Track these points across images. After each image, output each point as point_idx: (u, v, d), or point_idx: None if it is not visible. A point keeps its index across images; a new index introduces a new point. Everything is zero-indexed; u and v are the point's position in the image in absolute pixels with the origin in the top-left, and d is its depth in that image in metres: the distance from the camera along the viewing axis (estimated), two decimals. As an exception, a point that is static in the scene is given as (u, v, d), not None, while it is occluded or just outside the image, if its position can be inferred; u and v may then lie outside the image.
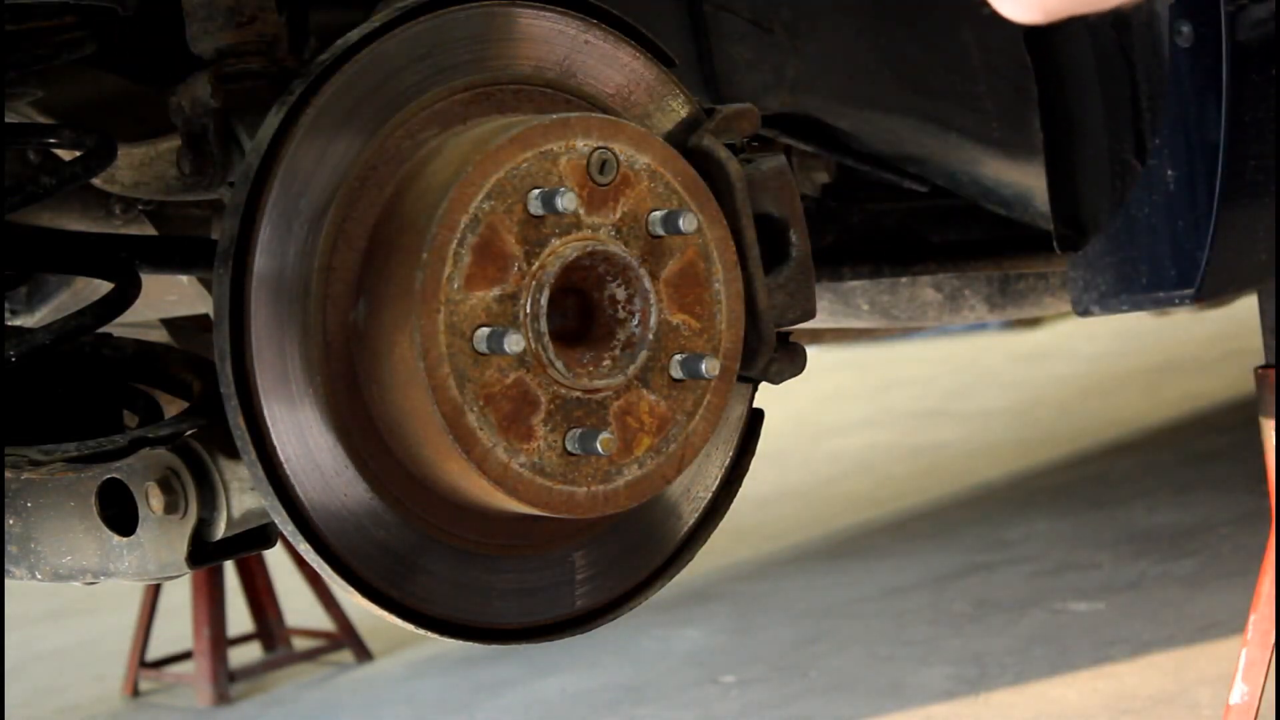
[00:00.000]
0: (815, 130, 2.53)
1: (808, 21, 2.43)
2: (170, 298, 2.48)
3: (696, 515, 1.84)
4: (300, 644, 4.87)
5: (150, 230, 2.29)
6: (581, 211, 1.64)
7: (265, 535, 1.77)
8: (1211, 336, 7.75)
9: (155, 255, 2.01)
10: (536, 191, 1.61)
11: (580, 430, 1.63)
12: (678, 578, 1.85)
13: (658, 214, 1.67)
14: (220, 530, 1.73)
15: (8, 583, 1.92)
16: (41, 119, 2.12)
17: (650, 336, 1.67)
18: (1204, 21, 2.14)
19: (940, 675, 3.81)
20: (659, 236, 1.67)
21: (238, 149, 1.86)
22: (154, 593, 4.74)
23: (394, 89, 1.67)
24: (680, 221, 1.67)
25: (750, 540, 5.33)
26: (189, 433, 1.77)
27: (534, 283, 1.61)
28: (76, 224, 2.29)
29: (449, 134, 1.69)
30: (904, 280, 2.99)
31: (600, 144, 1.65)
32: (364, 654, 4.76)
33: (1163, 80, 2.19)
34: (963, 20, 2.32)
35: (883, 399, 7.99)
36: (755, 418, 1.86)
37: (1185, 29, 2.15)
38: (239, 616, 4.79)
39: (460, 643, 1.73)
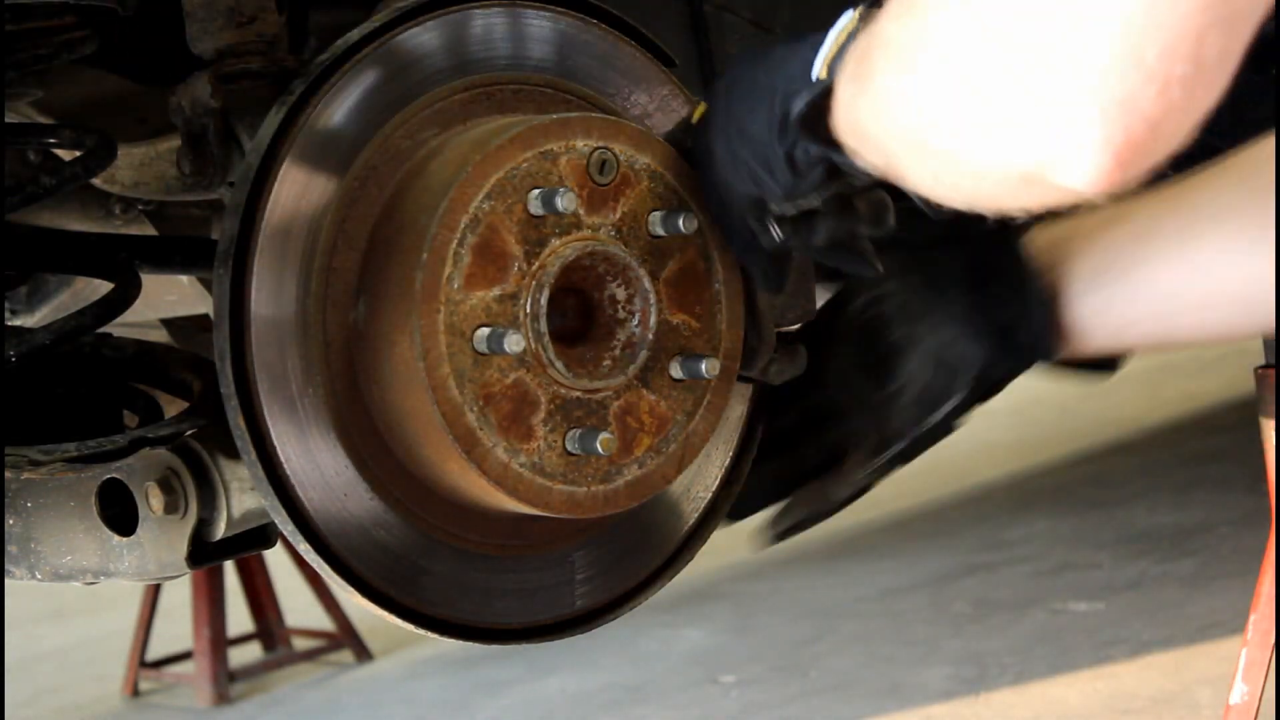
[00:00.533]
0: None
1: (808, 22, 2.42)
2: (170, 298, 2.47)
3: (696, 515, 1.84)
4: (300, 644, 4.87)
5: (150, 230, 2.29)
6: (581, 211, 1.63)
7: (265, 535, 1.78)
8: (1211, 336, 7.73)
9: (155, 255, 2.01)
10: (536, 191, 1.61)
11: (580, 430, 1.63)
12: (678, 578, 1.85)
13: (658, 214, 1.67)
14: (220, 530, 1.74)
15: (8, 583, 1.92)
16: (41, 119, 2.11)
17: (650, 336, 1.66)
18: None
19: (940, 675, 3.80)
20: (659, 236, 1.67)
21: (238, 149, 1.86)
22: (154, 593, 4.74)
23: (394, 89, 1.67)
24: (680, 221, 1.66)
25: (750, 540, 5.32)
26: (189, 433, 1.77)
27: (534, 283, 1.61)
28: (76, 224, 2.28)
29: (449, 134, 1.69)
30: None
31: (600, 144, 1.64)
32: (364, 654, 4.76)
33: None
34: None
35: (882, 399, 7.97)
36: (756, 417, 1.86)
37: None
38: (239, 616, 4.79)
39: (460, 643, 1.73)
